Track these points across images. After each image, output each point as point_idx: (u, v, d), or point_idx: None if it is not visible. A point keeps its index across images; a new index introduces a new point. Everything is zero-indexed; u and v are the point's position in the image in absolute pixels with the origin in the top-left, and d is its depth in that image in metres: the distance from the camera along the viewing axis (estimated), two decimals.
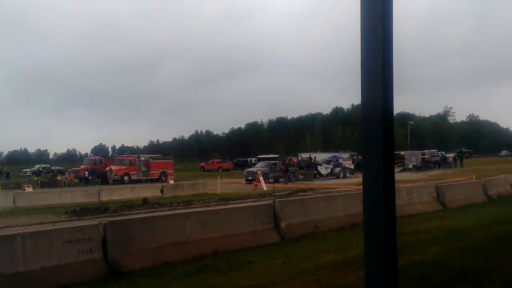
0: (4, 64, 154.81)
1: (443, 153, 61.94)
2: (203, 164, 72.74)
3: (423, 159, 53.81)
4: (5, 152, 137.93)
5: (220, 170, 62.37)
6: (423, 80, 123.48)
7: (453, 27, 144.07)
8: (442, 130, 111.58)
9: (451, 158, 58.44)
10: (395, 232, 1.93)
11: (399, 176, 32.62)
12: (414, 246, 8.54)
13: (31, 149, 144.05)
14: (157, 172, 43.55)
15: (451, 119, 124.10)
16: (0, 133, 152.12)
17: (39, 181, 38.20)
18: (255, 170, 37.68)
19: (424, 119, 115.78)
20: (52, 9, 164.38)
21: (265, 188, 28.43)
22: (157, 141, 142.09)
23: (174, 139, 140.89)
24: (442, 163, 55.45)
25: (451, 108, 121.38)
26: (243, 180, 37.38)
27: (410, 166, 50.67)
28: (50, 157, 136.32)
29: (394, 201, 1.97)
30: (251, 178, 35.99)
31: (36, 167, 60.70)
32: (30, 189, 27.41)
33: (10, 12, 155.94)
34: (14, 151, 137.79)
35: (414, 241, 9.16)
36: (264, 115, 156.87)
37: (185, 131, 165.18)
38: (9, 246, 7.25)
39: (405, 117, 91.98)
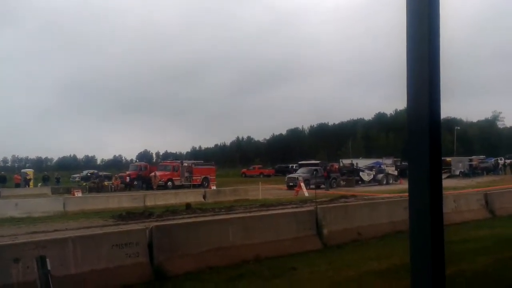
0: (57, 77, 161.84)
1: (498, 159, 59.62)
2: (244, 170, 73.22)
3: (470, 165, 52.05)
4: (55, 158, 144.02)
5: (261, 176, 62.50)
6: (471, 84, 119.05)
7: (503, 30, 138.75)
8: (491, 136, 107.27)
9: (500, 164, 56.28)
10: (443, 240, 1.90)
11: (445, 183, 31.64)
12: (462, 255, 8.28)
13: (80, 155, 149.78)
14: (200, 178, 44.11)
15: (500, 124, 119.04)
16: (51, 140, 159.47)
17: (87, 186, 39.52)
18: (296, 176, 37.54)
19: (471, 124, 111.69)
20: (100, 21, 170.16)
21: (306, 194, 28.29)
22: (200, 147, 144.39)
23: (216, 145, 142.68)
24: (494, 169, 53.51)
25: (500, 112, 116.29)
26: (284, 186, 37.31)
27: (457, 172, 49.14)
28: (98, 163, 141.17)
29: (442, 208, 1.93)
30: (292, 184, 35.85)
31: (85, 172, 62.87)
32: (79, 194, 28.30)
33: (63, 25, 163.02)
34: (64, 157, 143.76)
35: (462, 250, 8.88)
36: (305, 121, 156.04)
37: (227, 138, 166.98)
38: (60, 249, 7.50)
39: (452, 122, 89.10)
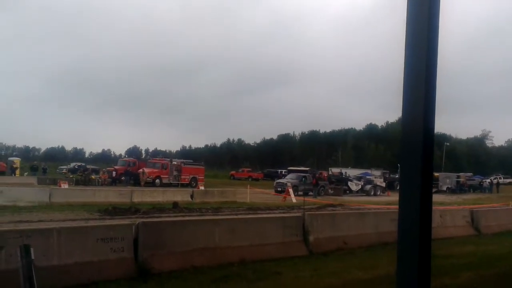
0: (49, 65, 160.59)
1: (492, 178, 60.73)
2: (233, 172, 73.12)
3: (457, 182, 52.52)
4: (43, 149, 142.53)
5: (250, 179, 62.38)
6: (462, 102, 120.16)
7: (498, 50, 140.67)
8: (479, 154, 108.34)
9: (487, 182, 56.74)
10: (430, 253, 1.93)
11: (433, 197, 31.88)
12: (447, 270, 8.36)
13: (68, 147, 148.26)
14: (188, 177, 43.95)
15: (488, 143, 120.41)
16: (40, 130, 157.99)
17: (74, 178, 39.13)
18: (285, 182, 37.51)
19: (460, 141, 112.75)
20: (96, 12, 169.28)
21: (294, 200, 28.33)
22: (190, 146, 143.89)
23: (206, 145, 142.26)
24: (480, 187, 54.02)
25: (489, 131, 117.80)
26: (272, 191, 37.31)
27: (444, 188, 49.52)
28: (86, 156, 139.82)
29: (431, 222, 1.96)
30: (280, 189, 35.84)
31: (72, 165, 62.23)
32: (66, 186, 28.07)
33: (57, 15, 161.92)
34: (52, 148, 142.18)
35: (447, 264, 8.96)
36: (296, 127, 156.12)
37: (218, 139, 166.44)
38: (45, 239, 7.45)
39: (441, 138, 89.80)
